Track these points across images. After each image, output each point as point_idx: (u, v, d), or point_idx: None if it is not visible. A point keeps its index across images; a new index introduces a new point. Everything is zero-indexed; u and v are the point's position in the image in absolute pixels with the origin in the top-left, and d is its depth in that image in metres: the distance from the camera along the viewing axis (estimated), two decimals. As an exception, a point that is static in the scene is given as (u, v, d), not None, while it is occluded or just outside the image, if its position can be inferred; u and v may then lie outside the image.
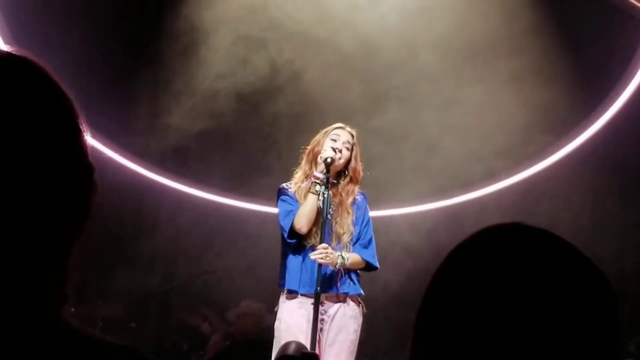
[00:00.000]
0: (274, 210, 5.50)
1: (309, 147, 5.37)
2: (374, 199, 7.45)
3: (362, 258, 5.25)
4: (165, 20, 8.63)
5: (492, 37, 7.98)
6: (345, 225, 5.24)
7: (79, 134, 1.34)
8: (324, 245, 5.07)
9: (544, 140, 8.26)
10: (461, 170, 8.21)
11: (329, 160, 5.18)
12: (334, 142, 5.28)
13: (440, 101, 8.15)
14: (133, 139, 8.42)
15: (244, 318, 8.38)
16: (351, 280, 5.24)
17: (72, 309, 6.70)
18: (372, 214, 5.55)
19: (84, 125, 1.37)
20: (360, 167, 5.39)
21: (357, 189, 5.38)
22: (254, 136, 8.50)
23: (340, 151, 5.26)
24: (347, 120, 7.81)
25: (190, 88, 8.43)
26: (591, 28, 8.25)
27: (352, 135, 5.38)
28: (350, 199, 5.31)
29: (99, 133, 8.01)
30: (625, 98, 8.14)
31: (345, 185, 5.34)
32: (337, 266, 5.13)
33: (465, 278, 1.29)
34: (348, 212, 5.27)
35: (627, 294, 8.14)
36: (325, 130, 5.39)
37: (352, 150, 5.34)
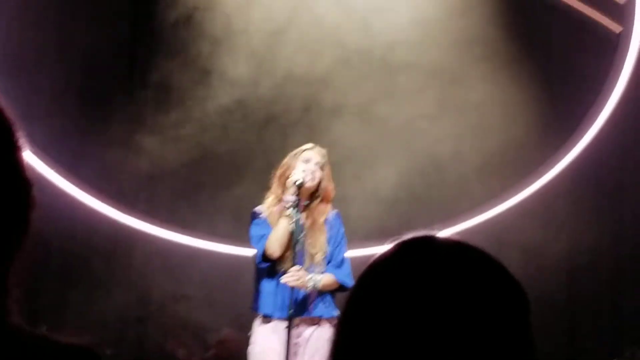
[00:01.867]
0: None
1: (279, 171, 5.36)
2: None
3: (335, 278, 5.24)
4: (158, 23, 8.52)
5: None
6: (318, 244, 5.23)
7: (14, 150, 1.34)
8: (296, 267, 5.07)
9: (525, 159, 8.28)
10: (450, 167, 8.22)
11: (298, 183, 5.17)
12: (306, 164, 5.26)
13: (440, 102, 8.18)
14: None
15: (223, 344, 8.34)
16: (325, 302, 5.22)
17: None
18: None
19: (21, 140, 1.36)
20: (331, 187, 5.38)
21: (329, 208, 5.37)
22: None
23: (313, 173, 5.24)
24: (356, 117, 7.88)
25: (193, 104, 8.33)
26: (562, 46, 8.34)
27: (323, 155, 5.37)
28: (322, 219, 5.30)
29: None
30: (604, 119, 8.19)
31: (317, 205, 5.33)
32: (308, 289, 5.12)
33: (381, 291, 1.30)
34: (320, 231, 5.26)
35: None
36: (294, 152, 5.37)
37: (323, 169, 5.33)
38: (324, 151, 5.39)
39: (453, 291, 1.26)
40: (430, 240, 1.34)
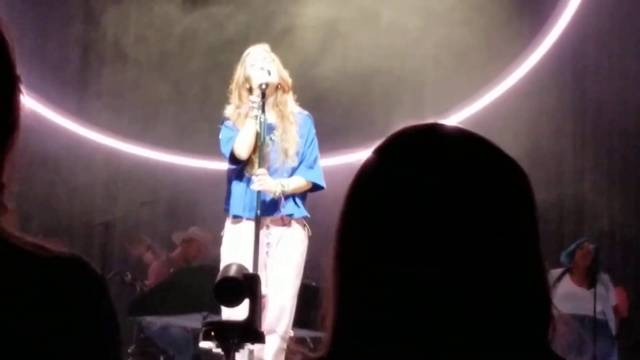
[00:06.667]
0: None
1: (235, 86, 5.24)
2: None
3: (307, 180, 5.21)
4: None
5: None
6: (289, 136, 5.17)
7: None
8: (262, 170, 5.03)
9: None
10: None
11: (264, 86, 5.07)
12: (257, 63, 5.16)
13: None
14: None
15: (189, 243, 8.40)
16: (295, 203, 5.20)
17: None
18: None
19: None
20: (286, 75, 5.29)
21: (291, 96, 5.30)
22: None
23: (270, 68, 5.14)
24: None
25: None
26: None
27: (265, 48, 5.28)
28: (287, 110, 5.24)
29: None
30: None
31: (280, 97, 5.26)
32: (277, 194, 5.08)
33: (389, 174, 1.27)
34: (290, 123, 5.21)
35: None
36: (240, 61, 5.25)
37: (274, 61, 5.24)
38: (265, 45, 5.30)
39: (462, 177, 1.24)
40: (435, 127, 1.31)
